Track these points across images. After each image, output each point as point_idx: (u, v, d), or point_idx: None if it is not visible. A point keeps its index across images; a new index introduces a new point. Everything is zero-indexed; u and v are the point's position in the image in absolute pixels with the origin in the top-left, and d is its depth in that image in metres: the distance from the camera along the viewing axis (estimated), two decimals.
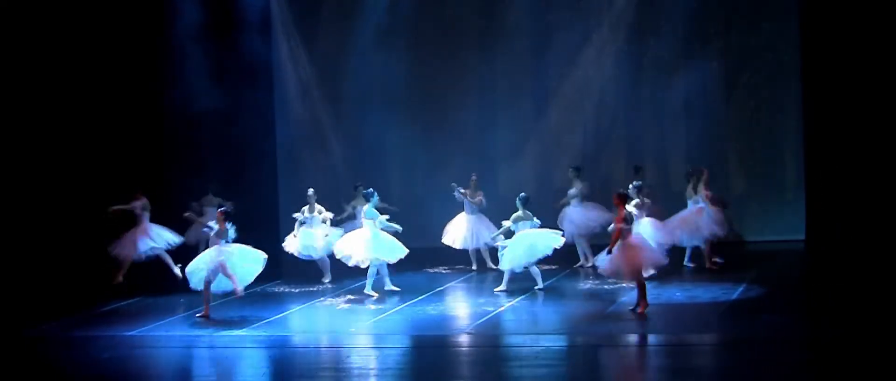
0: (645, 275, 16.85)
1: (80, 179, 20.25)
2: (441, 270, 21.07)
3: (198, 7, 21.82)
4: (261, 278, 20.12)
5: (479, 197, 20.85)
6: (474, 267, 20.90)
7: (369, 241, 18.72)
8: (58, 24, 20.10)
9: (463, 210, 21.07)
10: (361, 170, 23.79)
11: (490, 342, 15.80)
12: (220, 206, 18.48)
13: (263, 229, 21.29)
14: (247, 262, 17.56)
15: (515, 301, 18.02)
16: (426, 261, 21.55)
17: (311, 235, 19.94)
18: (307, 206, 20.12)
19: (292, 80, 24.73)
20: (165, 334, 16.64)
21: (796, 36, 22.17)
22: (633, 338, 15.71)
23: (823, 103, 21.13)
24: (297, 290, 19.62)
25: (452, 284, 19.81)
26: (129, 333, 16.66)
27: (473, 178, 21.12)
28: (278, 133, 24.39)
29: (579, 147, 24.03)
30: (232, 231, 17.50)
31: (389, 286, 18.88)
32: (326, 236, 19.93)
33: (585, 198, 20.99)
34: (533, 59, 24.31)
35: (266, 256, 17.69)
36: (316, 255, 20.06)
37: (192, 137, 21.77)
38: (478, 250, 21.02)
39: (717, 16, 23.55)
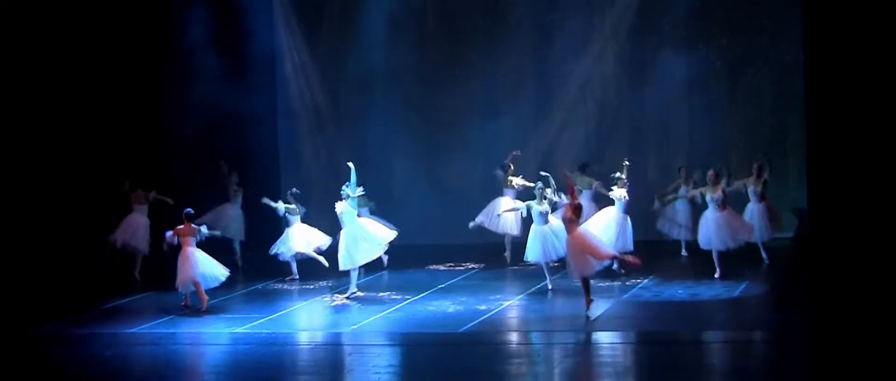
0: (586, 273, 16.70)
1: (81, 178, 20.28)
2: (442, 267, 21.06)
3: (200, 4, 21.85)
4: (262, 276, 20.22)
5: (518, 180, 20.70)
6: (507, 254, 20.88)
7: (347, 244, 18.37)
8: (60, 21, 20.13)
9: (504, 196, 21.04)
10: (364, 168, 23.77)
11: (491, 339, 15.79)
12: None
13: (266, 226, 21.29)
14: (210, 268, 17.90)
15: (517, 299, 18.01)
16: (427, 258, 21.56)
17: (291, 234, 19.92)
18: (293, 205, 20.03)
19: (294, 77, 24.74)
20: (167, 331, 16.65)
21: (799, 34, 22.15)
22: (635, 335, 15.70)
23: (826, 102, 21.10)
24: (298, 287, 19.61)
25: (454, 281, 19.78)
26: (131, 330, 16.68)
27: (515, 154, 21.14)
28: (280, 130, 24.44)
29: (582, 145, 24.03)
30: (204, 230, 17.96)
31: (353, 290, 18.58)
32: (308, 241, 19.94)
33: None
34: (535, 58, 24.29)
35: (227, 274, 18.04)
36: (288, 255, 19.93)
37: (193, 134, 21.76)
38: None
39: (719, 15, 23.54)
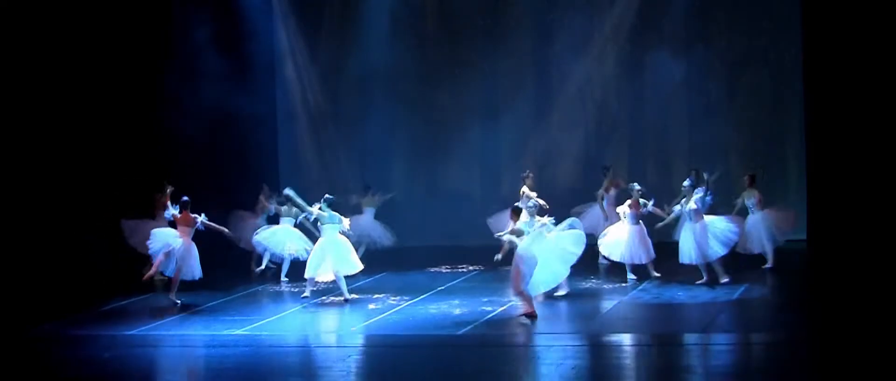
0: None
1: (82, 179, 20.26)
2: (442, 269, 21.04)
3: (201, 6, 21.83)
4: (265, 278, 20.21)
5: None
6: None
7: (331, 253, 18.36)
8: (61, 23, 20.12)
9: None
10: (364, 169, 23.81)
11: (491, 341, 15.77)
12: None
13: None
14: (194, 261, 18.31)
15: (518, 301, 17.96)
16: (427, 260, 21.54)
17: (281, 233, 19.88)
18: (285, 206, 20.05)
19: (294, 79, 24.75)
20: (166, 333, 16.63)
21: (798, 36, 22.18)
22: (634, 337, 15.69)
23: (825, 103, 21.12)
24: (298, 289, 19.57)
25: (453, 283, 19.76)
26: (130, 332, 16.66)
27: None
28: (280, 131, 24.44)
29: (581, 145, 24.04)
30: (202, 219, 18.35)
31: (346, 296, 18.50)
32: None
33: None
34: (535, 59, 24.32)
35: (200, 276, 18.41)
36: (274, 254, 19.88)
37: (193, 134, 21.75)
38: None
39: (718, 15, 23.56)
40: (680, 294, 17.95)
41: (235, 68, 22.34)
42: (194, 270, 18.33)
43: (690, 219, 18.54)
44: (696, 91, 23.56)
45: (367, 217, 21.69)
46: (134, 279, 19.97)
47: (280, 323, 17.09)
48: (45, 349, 16.04)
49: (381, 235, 21.73)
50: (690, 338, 15.48)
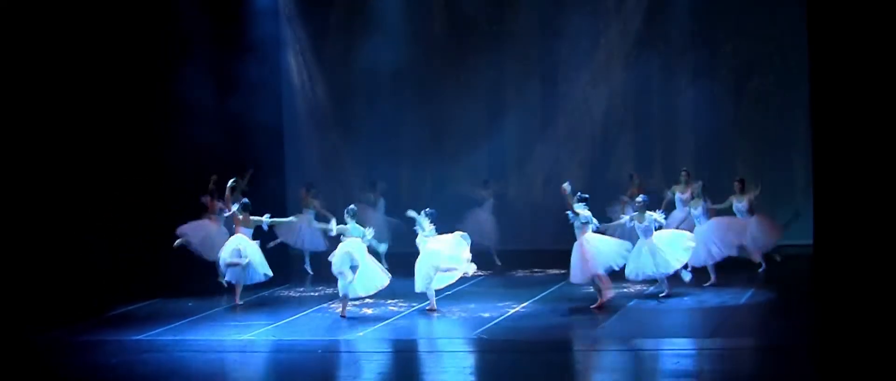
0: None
1: (88, 183, 20.27)
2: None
3: (205, 11, 21.84)
4: (269, 283, 20.21)
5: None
6: None
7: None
8: (61, 22, 20.13)
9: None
10: (370, 175, 23.81)
11: (497, 346, 15.79)
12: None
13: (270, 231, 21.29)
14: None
15: (522, 307, 18.00)
16: None
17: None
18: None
19: (299, 84, 24.79)
20: (174, 338, 16.66)
21: (804, 42, 22.10)
22: (640, 342, 15.70)
23: (832, 108, 21.05)
24: (306, 294, 19.59)
25: (460, 288, 19.75)
26: (138, 337, 16.68)
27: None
28: (286, 137, 24.44)
29: (588, 152, 24.05)
30: None
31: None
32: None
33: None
34: (541, 65, 24.33)
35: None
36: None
37: (198, 139, 21.75)
38: None
39: (725, 22, 23.56)
40: (687, 299, 17.97)
41: (239, 70, 22.33)
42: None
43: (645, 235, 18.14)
44: (701, 97, 23.54)
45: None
46: (137, 283, 20.01)
47: (287, 328, 17.10)
48: (52, 354, 16.07)
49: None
50: (698, 343, 15.49)
